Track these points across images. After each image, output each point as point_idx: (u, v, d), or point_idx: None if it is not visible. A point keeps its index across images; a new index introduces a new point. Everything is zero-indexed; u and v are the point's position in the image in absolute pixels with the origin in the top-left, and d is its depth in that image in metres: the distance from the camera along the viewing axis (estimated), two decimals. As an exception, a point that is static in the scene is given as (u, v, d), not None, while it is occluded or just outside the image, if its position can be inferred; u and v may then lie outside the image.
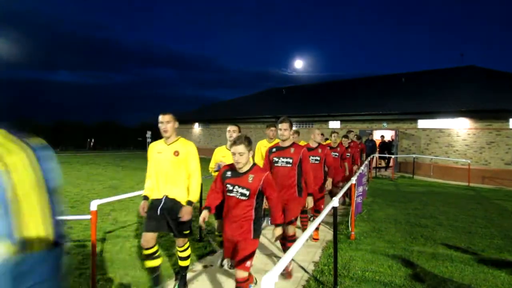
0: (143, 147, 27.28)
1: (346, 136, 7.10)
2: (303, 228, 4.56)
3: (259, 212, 2.61)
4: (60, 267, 1.10)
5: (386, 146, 14.03)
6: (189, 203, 2.91)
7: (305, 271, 3.59)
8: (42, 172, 1.08)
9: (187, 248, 3.05)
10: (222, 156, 3.78)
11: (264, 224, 4.82)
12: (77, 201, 6.78)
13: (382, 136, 14.31)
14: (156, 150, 2.98)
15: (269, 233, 4.55)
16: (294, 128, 4.32)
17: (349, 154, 6.80)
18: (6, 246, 0.92)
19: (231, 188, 2.52)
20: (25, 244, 0.96)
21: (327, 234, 4.95)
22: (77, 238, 4.45)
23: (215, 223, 2.85)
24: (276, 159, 3.45)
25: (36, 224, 1.01)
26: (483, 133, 11.83)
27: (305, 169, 3.44)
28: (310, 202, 3.50)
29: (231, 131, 3.80)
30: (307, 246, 4.36)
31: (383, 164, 14.83)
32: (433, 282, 3.29)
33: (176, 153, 2.91)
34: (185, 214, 2.83)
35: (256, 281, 2.96)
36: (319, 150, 4.61)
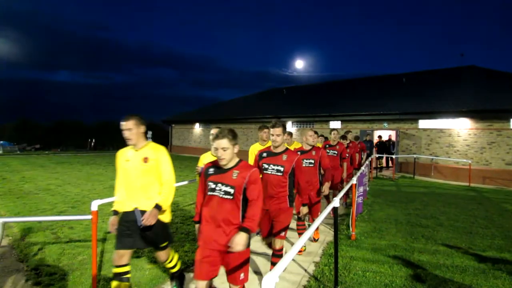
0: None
1: (344, 137, 6.93)
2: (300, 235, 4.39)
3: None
4: None
5: (384, 146, 14.00)
6: (157, 206, 2.57)
7: (306, 271, 3.59)
8: None
9: (172, 259, 2.84)
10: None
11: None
12: (78, 201, 6.79)
13: (380, 137, 14.27)
14: (124, 157, 2.68)
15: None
16: (294, 129, 4.24)
17: (347, 155, 6.53)
18: None
19: (213, 186, 2.19)
20: None
21: (327, 234, 4.94)
22: (78, 238, 4.46)
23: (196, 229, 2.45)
24: (266, 166, 3.10)
25: None
26: (484, 133, 11.82)
27: (297, 179, 3.13)
28: (304, 211, 3.33)
29: (215, 134, 3.73)
30: (308, 246, 4.36)
31: (382, 164, 14.78)
32: (433, 283, 3.29)
33: (145, 160, 2.60)
34: (149, 217, 2.48)
35: None
36: (313, 153, 4.25)
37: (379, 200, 7.68)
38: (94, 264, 2.90)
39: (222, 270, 2.25)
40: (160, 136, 29.51)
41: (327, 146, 6.03)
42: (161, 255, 2.75)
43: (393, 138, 14.17)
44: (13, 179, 9.79)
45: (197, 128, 23.95)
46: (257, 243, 4.29)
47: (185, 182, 4.90)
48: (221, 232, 2.15)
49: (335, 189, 5.88)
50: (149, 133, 26.42)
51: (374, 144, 13.54)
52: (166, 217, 2.76)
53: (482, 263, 3.81)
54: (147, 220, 2.49)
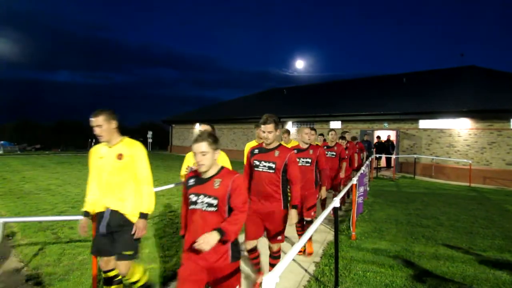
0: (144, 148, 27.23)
1: (343, 137, 6.76)
2: (300, 236, 4.07)
3: None
4: None
5: (383, 147, 13.97)
6: (143, 216, 2.46)
7: (306, 271, 3.59)
8: None
9: (133, 275, 2.53)
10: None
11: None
12: (78, 201, 6.78)
13: (378, 137, 14.24)
14: (97, 155, 2.51)
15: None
16: (294, 129, 4.09)
17: (347, 156, 6.31)
18: None
19: (194, 198, 1.97)
20: None
21: (328, 234, 4.94)
22: (78, 238, 4.45)
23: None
24: (257, 163, 2.87)
25: None
26: (484, 133, 11.81)
27: (290, 176, 2.86)
28: (293, 216, 2.81)
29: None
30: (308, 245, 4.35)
31: (380, 164, 14.68)
32: (434, 283, 3.28)
33: (120, 156, 2.43)
34: (139, 230, 2.42)
35: None
36: (310, 151, 4.00)
37: (380, 200, 7.68)
38: (94, 264, 2.90)
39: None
40: (161, 136, 29.56)
41: (325, 147, 5.82)
42: (121, 265, 2.41)
43: (393, 138, 14.16)
44: (13, 179, 9.79)
45: (198, 128, 23.98)
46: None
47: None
48: (211, 250, 1.88)
49: (335, 190, 5.79)
50: (150, 133, 26.53)
51: (373, 145, 13.53)
52: (136, 217, 2.53)
53: (482, 263, 3.81)
54: (138, 234, 2.42)
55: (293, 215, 2.81)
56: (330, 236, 4.76)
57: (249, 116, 19.61)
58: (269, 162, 2.83)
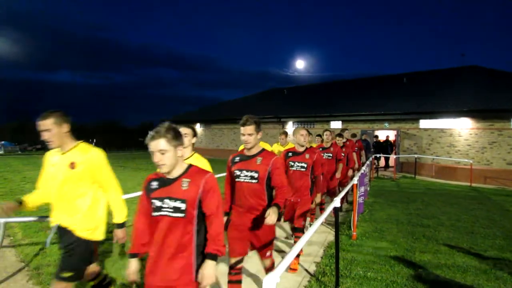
0: (145, 148, 27.31)
1: (340, 135, 6.34)
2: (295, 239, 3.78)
3: (205, 237, 1.74)
4: None
5: (381, 147, 13.91)
6: (119, 226, 2.29)
7: (307, 271, 3.59)
8: None
9: None
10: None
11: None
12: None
13: (376, 137, 14.20)
14: (50, 161, 2.22)
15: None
16: (292, 127, 3.84)
17: (343, 155, 5.97)
18: None
19: (158, 204, 1.68)
20: None
21: (328, 234, 4.94)
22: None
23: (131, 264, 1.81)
24: (238, 172, 2.57)
25: None
26: (485, 133, 11.79)
27: (275, 183, 2.54)
28: (271, 213, 2.28)
29: (183, 134, 2.96)
30: (309, 245, 4.35)
31: (379, 164, 14.58)
32: (435, 283, 3.28)
33: (72, 165, 2.12)
34: (120, 240, 2.32)
35: None
36: (307, 156, 3.71)
37: (380, 200, 7.67)
38: (95, 264, 2.90)
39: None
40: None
41: (321, 149, 5.49)
42: (57, 287, 2.10)
43: (392, 138, 14.12)
44: (14, 179, 9.81)
45: (198, 129, 23.98)
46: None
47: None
48: (168, 263, 1.66)
49: (331, 195, 5.50)
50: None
51: (371, 145, 13.44)
52: (93, 233, 2.23)
53: (483, 263, 3.80)
54: (122, 241, 2.30)
55: (271, 212, 2.32)
56: (331, 236, 4.76)
57: (250, 116, 19.59)
58: (251, 171, 2.52)
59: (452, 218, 5.98)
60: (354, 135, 8.45)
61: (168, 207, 1.66)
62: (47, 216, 2.43)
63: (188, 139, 2.65)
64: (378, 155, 13.28)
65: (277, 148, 5.22)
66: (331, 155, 5.55)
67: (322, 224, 4.88)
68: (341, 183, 6.10)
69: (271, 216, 2.27)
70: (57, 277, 2.10)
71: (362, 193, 5.98)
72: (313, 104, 18.89)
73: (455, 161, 12.25)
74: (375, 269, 3.61)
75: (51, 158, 2.23)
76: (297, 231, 3.62)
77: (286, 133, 5.22)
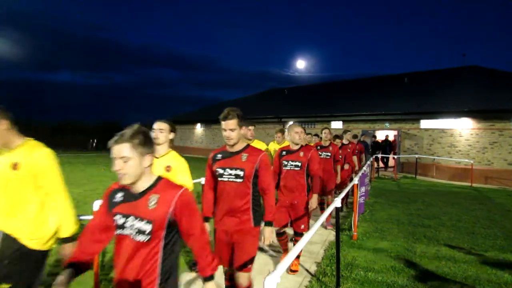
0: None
1: (337, 137, 6.17)
2: (283, 249, 3.61)
3: (173, 262, 1.48)
4: None
5: (378, 147, 13.85)
6: (66, 240, 2.00)
7: (308, 271, 3.58)
8: None
9: None
10: None
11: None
12: (80, 201, 6.79)
13: (374, 137, 14.16)
14: None
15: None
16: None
17: (341, 156, 5.79)
18: None
19: (121, 221, 1.42)
20: None
21: (329, 234, 4.93)
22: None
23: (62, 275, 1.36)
24: (221, 171, 2.30)
25: None
26: (485, 133, 11.78)
27: (262, 183, 2.32)
28: (267, 236, 2.32)
29: (157, 130, 2.55)
30: (309, 245, 4.35)
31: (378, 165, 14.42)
32: (436, 283, 3.28)
33: (15, 166, 1.89)
34: (67, 257, 1.92)
35: None
36: (301, 153, 3.47)
37: (381, 200, 7.67)
38: (96, 264, 2.90)
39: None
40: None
41: (319, 147, 5.31)
42: None
43: (391, 138, 14.06)
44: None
45: (199, 129, 24.00)
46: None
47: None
48: None
49: (328, 195, 5.30)
50: (151, 134, 26.55)
51: (369, 145, 13.33)
52: (41, 243, 1.98)
53: (484, 264, 3.79)
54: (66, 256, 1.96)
55: (266, 234, 2.30)
56: (332, 237, 4.75)
57: (251, 117, 19.62)
58: (235, 169, 2.26)
59: (453, 218, 5.98)
60: (355, 136, 8.23)
61: (132, 227, 1.40)
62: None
63: (164, 135, 2.51)
64: (377, 156, 13.22)
65: (273, 146, 4.96)
66: (329, 154, 5.32)
67: (322, 225, 4.87)
68: (339, 186, 5.88)
69: (266, 239, 2.31)
70: None
71: (363, 193, 5.97)
72: (313, 104, 18.89)
73: (456, 161, 12.24)
74: (376, 269, 3.60)
75: None
76: (297, 235, 3.48)
77: (282, 131, 4.90)
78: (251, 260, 2.26)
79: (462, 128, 12.31)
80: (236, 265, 2.24)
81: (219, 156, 2.37)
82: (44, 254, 2.03)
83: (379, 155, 13.46)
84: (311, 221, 3.56)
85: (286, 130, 4.27)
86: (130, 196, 1.42)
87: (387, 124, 14.47)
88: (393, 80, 19.64)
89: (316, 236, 4.73)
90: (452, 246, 4.41)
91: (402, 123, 14.02)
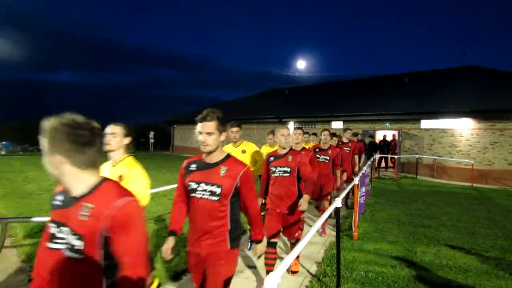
0: (146, 148, 27.40)
1: (334, 135, 5.87)
2: (268, 268, 3.10)
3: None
4: None
5: (376, 147, 13.77)
6: None
7: (308, 271, 3.59)
8: None
9: None
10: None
11: None
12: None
13: (371, 136, 14.11)
14: None
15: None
16: (293, 128, 3.29)
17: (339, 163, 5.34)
18: None
19: (194, 186, 1.66)
20: None
21: (329, 235, 4.94)
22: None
23: None
24: (194, 185, 1.93)
25: None
26: (486, 133, 11.77)
27: (245, 202, 1.97)
28: (258, 250, 2.09)
29: (109, 134, 2.25)
30: (310, 246, 4.35)
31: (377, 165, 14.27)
32: (436, 283, 3.28)
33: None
34: None
35: None
36: (289, 158, 3.16)
37: (381, 200, 7.66)
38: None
39: None
40: (163, 136, 29.60)
41: (317, 150, 5.02)
42: None
43: (389, 138, 14.00)
44: (16, 180, 9.83)
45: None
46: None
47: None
48: None
49: (324, 200, 4.96)
50: (151, 134, 26.55)
51: (367, 145, 13.26)
52: None
53: (484, 264, 3.80)
54: None
55: (258, 250, 2.08)
56: (332, 237, 4.76)
57: (251, 117, 19.62)
58: (211, 185, 1.89)
59: (453, 219, 5.98)
60: (355, 134, 8.00)
61: (65, 242, 1.15)
62: (47, 217, 2.43)
63: (117, 140, 2.21)
64: (375, 156, 13.14)
65: (266, 150, 4.60)
66: (328, 158, 4.96)
67: (317, 231, 4.86)
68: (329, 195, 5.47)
69: (258, 251, 2.09)
70: None
71: (363, 194, 5.97)
72: (314, 104, 18.88)
73: (457, 161, 12.23)
74: (376, 269, 3.60)
75: None
76: (292, 244, 3.39)
77: (273, 133, 4.37)
78: (224, 285, 1.91)
79: (463, 128, 12.30)
80: (210, 286, 1.91)
81: (193, 166, 2.00)
82: None
83: (377, 156, 13.37)
84: (310, 223, 3.51)
85: (274, 129, 3.91)
86: (66, 201, 1.21)
87: (387, 124, 14.47)
88: (393, 80, 19.62)
89: (317, 237, 4.74)
90: (453, 246, 4.41)
91: (402, 123, 14.01)
